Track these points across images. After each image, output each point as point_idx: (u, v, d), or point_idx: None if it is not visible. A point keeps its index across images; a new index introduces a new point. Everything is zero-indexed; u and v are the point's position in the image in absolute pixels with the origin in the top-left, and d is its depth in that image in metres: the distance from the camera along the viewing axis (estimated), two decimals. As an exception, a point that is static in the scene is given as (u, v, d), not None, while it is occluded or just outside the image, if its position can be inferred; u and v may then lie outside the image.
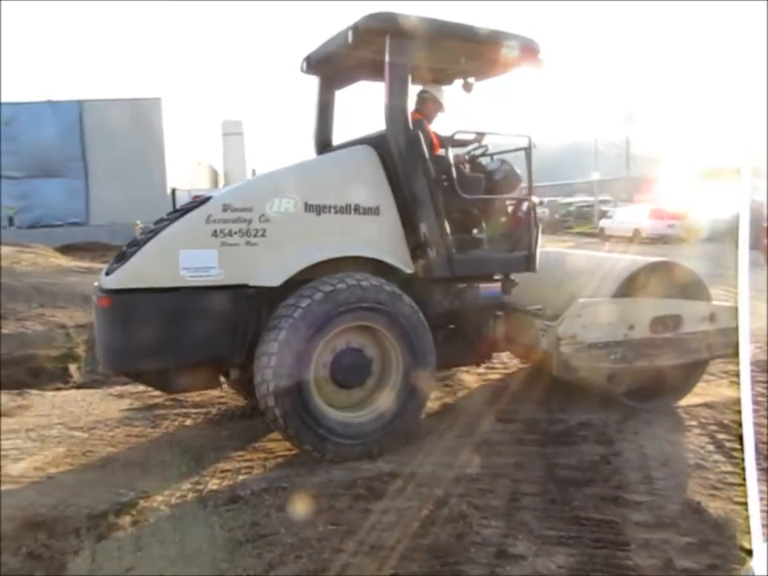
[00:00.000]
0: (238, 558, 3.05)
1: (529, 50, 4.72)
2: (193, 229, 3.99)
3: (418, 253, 4.46)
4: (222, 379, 4.54)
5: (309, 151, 5.51)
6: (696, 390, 5.55)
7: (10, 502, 3.72)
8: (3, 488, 3.94)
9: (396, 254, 4.44)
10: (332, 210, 4.25)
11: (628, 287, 4.88)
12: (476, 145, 5.25)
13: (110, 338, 3.96)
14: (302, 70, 5.22)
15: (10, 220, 34.04)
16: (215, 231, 3.95)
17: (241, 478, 3.92)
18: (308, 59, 5.13)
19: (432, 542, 3.12)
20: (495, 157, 5.43)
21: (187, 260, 3.90)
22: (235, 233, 3.98)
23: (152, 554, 3.13)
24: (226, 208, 3.99)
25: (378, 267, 4.36)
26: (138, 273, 3.90)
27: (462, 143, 5.25)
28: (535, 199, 5.16)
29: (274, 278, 4.02)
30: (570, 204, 37.68)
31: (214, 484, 3.84)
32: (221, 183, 46.01)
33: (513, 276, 5.04)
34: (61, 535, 3.31)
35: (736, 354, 5.26)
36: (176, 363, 4.03)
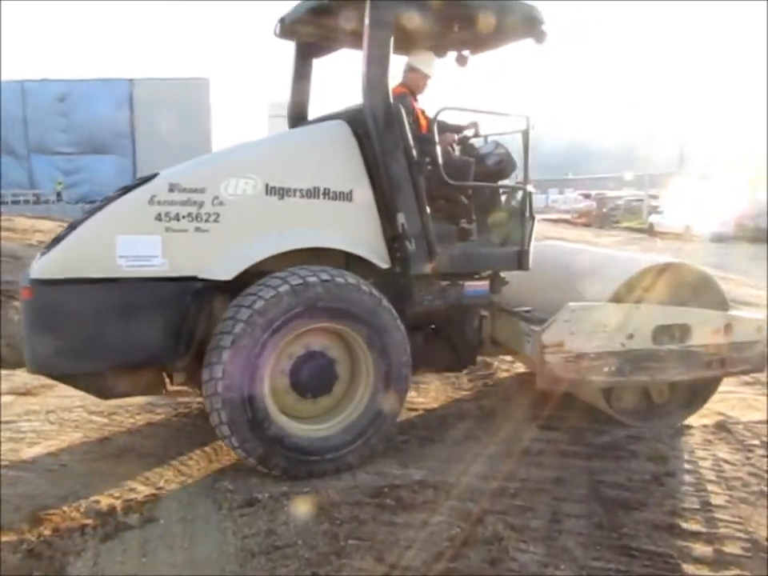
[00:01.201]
0: (250, 571, 2.79)
1: (530, 18, 4.17)
2: (133, 211, 3.50)
3: (395, 246, 3.98)
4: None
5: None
6: (757, 405, 5.11)
7: (19, 491, 3.55)
8: (14, 473, 3.78)
9: (370, 246, 3.95)
10: (297, 194, 3.76)
11: (629, 291, 4.35)
12: (469, 126, 4.75)
13: (32, 335, 3.44)
14: (275, 34, 4.61)
15: (59, 195, 34.73)
16: (159, 214, 3.46)
17: (260, 478, 3.65)
18: (282, 21, 4.53)
19: (463, 567, 2.82)
20: (489, 138, 4.85)
21: (125, 247, 3.42)
22: (183, 217, 3.49)
23: (158, 560, 2.89)
24: (173, 188, 3.50)
25: (350, 260, 3.94)
26: (66, 261, 3.41)
27: (456, 129, 4.72)
28: (531, 188, 4.60)
29: (226, 271, 3.54)
30: (618, 198, 36.60)
31: (231, 483, 3.58)
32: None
33: (503, 274, 4.56)
34: (65, 532, 3.10)
35: (755, 371, 4.76)
36: (109, 366, 3.56)
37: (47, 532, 3.10)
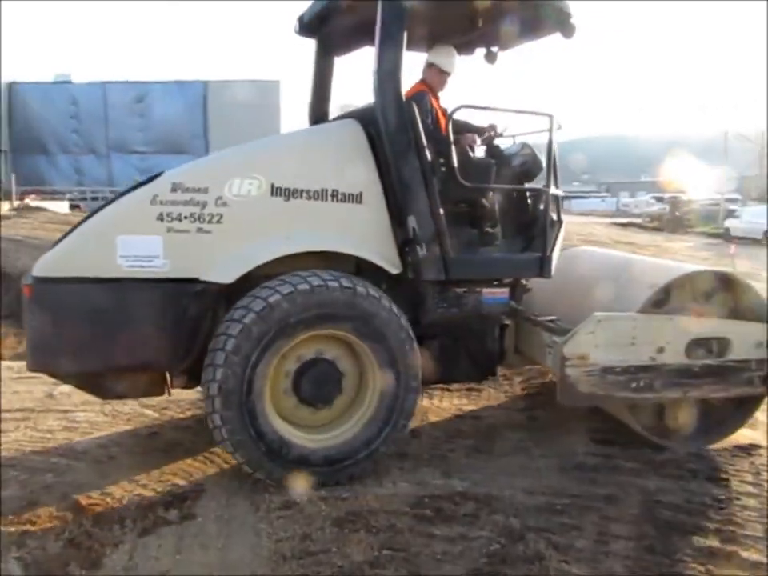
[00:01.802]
0: (280, 576, 2.75)
1: (559, 12, 3.93)
2: (134, 211, 3.46)
3: (406, 250, 3.80)
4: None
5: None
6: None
7: (67, 479, 3.65)
8: (66, 462, 3.89)
9: (379, 251, 3.78)
10: (304, 195, 3.62)
11: (662, 301, 4.05)
12: (488, 129, 4.57)
13: (31, 333, 3.43)
14: (295, 32, 4.52)
15: (135, 193, 36.07)
16: (161, 214, 3.40)
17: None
18: (300, 19, 4.43)
19: (500, 586, 2.69)
20: (518, 139, 4.64)
21: (126, 247, 3.36)
22: (185, 217, 3.42)
23: (191, 558, 2.89)
24: (175, 188, 3.43)
25: (361, 265, 3.80)
26: (66, 259, 3.40)
27: (476, 129, 4.51)
28: (558, 192, 4.40)
29: (227, 273, 3.44)
30: (692, 201, 35.14)
31: (271, 485, 3.56)
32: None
33: (526, 281, 4.37)
34: (106, 523, 3.15)
35: None
36: (106, 367, 3.52)
37: (88, 522, 3.15)
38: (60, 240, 3.60)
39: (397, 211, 3.79)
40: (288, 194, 3.61)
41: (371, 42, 4.26)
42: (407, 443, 4.21)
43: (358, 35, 4.42)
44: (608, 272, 4.57)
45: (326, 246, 3.65)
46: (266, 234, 3.59)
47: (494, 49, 4.54)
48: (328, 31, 4.50)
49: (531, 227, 4.33)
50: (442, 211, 3.76)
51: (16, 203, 24.20)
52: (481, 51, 4.69)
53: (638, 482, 3.70)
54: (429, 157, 3.74)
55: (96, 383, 3.66)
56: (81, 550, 2.93)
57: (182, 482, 3.62)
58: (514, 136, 4.68)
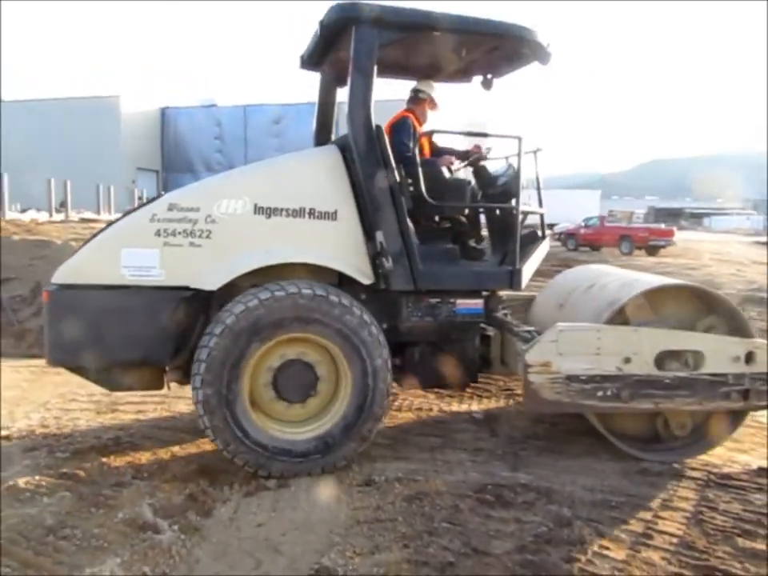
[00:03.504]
0: (352, 535, 3.27)
1: (529, 42, 4.21)
2: (136, 227, 3.98)
3: (376, 263, 4.15)
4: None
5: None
6: None
7: (192, 450, 4.39)
8: (190, 437, 4.62)
9: (353, 263, 4.16)
10: (284, 213, 4.04)
11: (631, 313, 4.22)
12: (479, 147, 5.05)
13: (49, 333, 3.92)
14: (299, 67, 5.02)
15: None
16: (159, 230, 3.89)
17: (380, 464, 4.14)
18: (302, 57, 4.90)
19: (539, 560, 3.05)
20: (508, 161, 5.07)
21: (128, 258, 3.88)
22: (179, 233, 3.90)
23: (283, 515, 3.48)
24: (171, 207, 3.93)
25: (342, 277, 4.19)
26: (78, 268, 3.95)
27: (460, 153, 5.05)
28: (541, 210, 4.88)
29: (213, 282, 3.89)
30: None
31: (356, 465, 4.09)
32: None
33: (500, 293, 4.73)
34: (218, 485, 3.82)
35: None
36: (111, 362, 4.01)
37: (205, 483, 3.84)
38: (77, 251, 4.20)
39: (368, 227, 4.18)
40: (269, 212, 4.05)
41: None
42: (484, 441, 4.62)
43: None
44: (594, 286, 4.77)
45: (300, 259, 4.05)
46: (249, 247, 4.03)
47: (489, 76, 4.90)
48: (327, 65, 4.93)
49: (504, 242, 4.72)
50: (411, 226, 4.19)
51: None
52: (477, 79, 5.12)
53: (699, 490, 3.88)
54: (397, 178, 4.17)
55: (105, 377, 4.15)
56: (197, 502, 3.61)
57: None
58: (507, 157, 5.13)
